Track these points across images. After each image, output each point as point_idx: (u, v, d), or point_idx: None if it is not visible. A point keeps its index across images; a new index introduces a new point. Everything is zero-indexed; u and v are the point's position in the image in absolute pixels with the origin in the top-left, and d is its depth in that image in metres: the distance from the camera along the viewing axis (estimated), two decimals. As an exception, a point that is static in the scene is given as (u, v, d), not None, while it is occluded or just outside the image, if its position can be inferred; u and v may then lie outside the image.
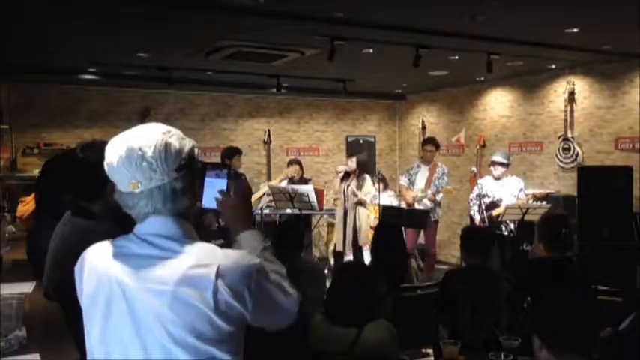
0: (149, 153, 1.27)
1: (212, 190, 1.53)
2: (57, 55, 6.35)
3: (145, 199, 1.30)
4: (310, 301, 3.38)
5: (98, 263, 1.34)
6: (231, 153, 6.63)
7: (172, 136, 1.33)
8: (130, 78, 7.56)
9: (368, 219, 6.92)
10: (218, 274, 1.24)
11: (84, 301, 1.37)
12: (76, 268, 1.39)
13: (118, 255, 1.32)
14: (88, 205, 2.01)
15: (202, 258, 1.27)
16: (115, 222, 1.38)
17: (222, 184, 1.54)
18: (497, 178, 6.37)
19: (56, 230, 2.26)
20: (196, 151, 1.38)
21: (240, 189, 1.54)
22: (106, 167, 1.31)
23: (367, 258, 6.74)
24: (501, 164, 6.35)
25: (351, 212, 6.83)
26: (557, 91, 7.41)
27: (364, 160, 7.21)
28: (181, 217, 1.35)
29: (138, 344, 1.26)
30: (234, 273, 1.27)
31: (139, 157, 1.27)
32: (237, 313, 1.28)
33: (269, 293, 1.35)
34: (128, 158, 1.27)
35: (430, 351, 3.73)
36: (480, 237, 3.69)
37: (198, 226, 1.57)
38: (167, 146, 1.30)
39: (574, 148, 7.10)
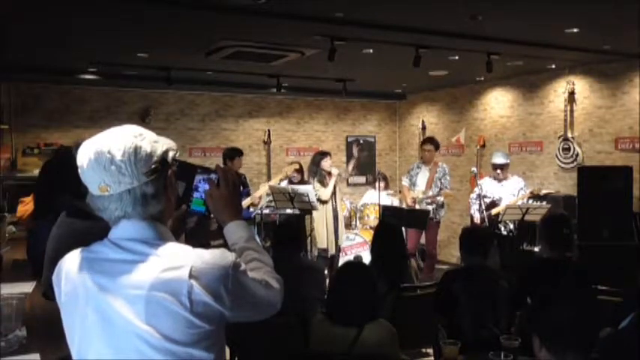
0: (118, 156, 1.25)
1: (198, 194, 1.53)
2: (57, 55, 6.35)
3: (115, 203, 1.29)
4: (310, 301, 3.39)
5: (74, 270, 1.33)
6: (232, 154, 6.66)
7: (144, 139, 1.30)
8: (130, 78, 7.57)
9: (323, 220, 6.73)
10: (192, 276, 1.24)
11: (62, 308, 1.36)
12: (54, 277, 1.38)
13: (93, 261, 1.31)
14: (85, 206, 2.02)
15: (175, 260, 1.26)
16: None
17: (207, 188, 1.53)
18: (502, 179, 6.34)
19: (52, 231, 2.26)
20: (171, 154, 1.35)
21: (228, 180, 1.53)
22: (78, 169, 1.30)
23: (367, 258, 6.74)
24: (502, 165, 6.31)
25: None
26: (557, 91, 7.41)
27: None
28: (155, 219, 1.33)
29: (112, 349, 1.26)
30: (209, 273, 1.26)
31: (107, 160, 1.25)
32: (215, 313, 1.27)
33: (247, 290, 1.34)
34: (97, 161, 1.26)
35: (430, 351, 3.74)
36: (479, 237, 3.68)
37: (181, 228, 1.56)
38: (137, 149, 1.27)
39: (574, 148, 7.10)
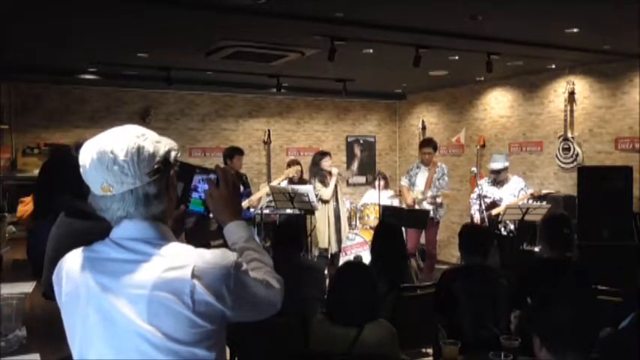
0: (121, 156, 1.25)
1: (197, 194, 1.53)
2: (57, 55, 6.35)
3: (117, 203, 1.29)
4: (310, 301, 3.39)
5: (75, 269, 1.33)
6: (232, 153, 6.64)
7: (146, 139, 1.30)
8: (130, 78, 7.57)
9: (325, 220, 6.78)
10: (194, 275, 1.24)
11: (63, 308, 1.36)
12: (54, 276, 1.38)
13: (95, 260, 1.31)
14: (84, 206, 2.02)
15: (177, 260, 1.26)
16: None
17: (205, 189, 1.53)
18: (500, 182, 6.26)
19: (52, 231, 2.26)
20: (173, 154, 1.35)
21: (227, 180, 1.53)
22: (81, 169, 1.30)
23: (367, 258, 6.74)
24: (500, 170, 6.20)
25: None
26: (557, 91, 7.41)
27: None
28: (157, 219, 1.33)
29: (113, 349, 1.26)
30: (212, 273, 1.26)
31: (110, 160, 1.25)
32: (217, 312, 1.28)
33: (249, 289, 1.34)
34: (99, 161, 1.26)
35: (430, 351, 3.73)
36: (478, 236, 3.68)
37: (180, 228, 1.56)
38: (140, 150, 1.27)
39: (574, 148, 7.10)
